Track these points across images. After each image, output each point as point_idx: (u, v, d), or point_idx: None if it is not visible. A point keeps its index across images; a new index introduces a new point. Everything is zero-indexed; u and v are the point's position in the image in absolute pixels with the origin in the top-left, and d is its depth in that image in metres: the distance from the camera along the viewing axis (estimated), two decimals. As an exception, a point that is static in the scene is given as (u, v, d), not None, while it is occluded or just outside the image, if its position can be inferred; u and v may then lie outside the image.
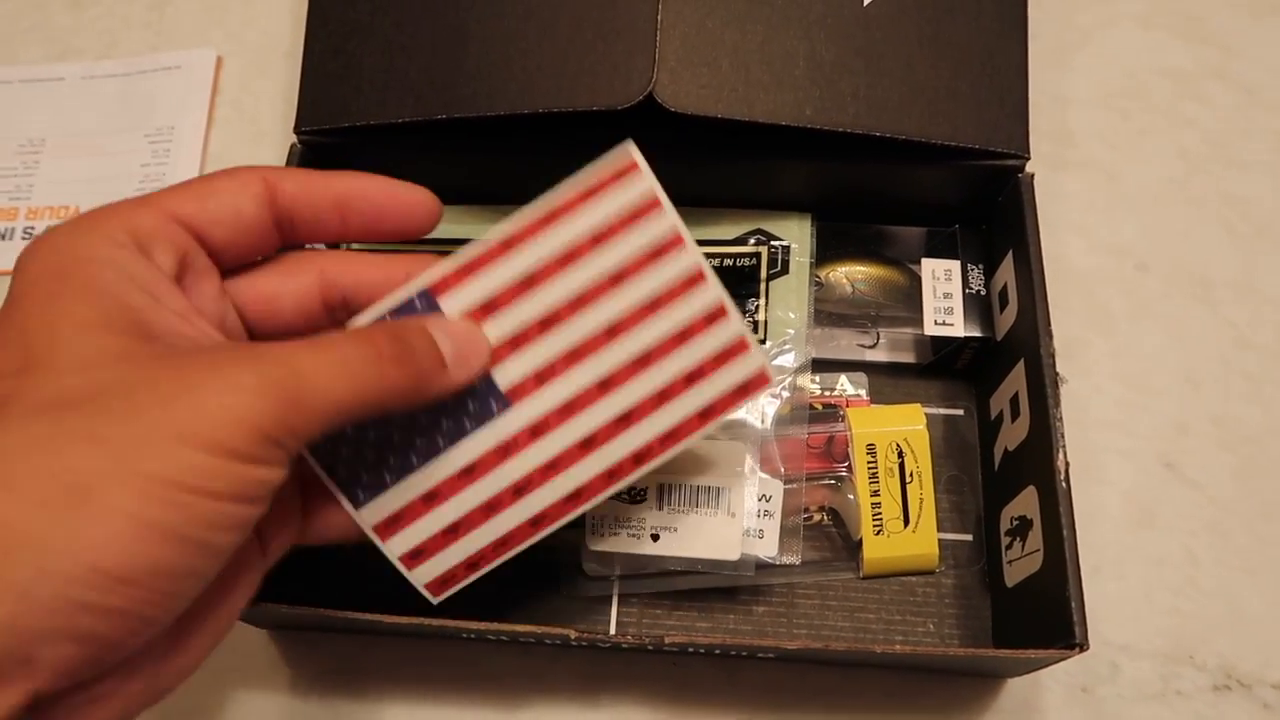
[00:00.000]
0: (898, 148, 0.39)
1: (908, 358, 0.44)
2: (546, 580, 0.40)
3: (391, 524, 0.30)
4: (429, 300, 0.29)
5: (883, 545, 0.39)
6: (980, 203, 0.42)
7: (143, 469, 0.22)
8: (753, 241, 0.43)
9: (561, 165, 0.36)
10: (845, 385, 0.42)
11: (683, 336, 0.30)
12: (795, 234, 0.43)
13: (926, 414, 0.41)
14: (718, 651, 0.37)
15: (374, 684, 0.39)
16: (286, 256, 0.30)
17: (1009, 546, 0.38)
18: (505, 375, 0.30)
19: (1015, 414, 0.39)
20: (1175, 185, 0.49)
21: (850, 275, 0.43)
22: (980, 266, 0.43)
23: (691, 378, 0.31)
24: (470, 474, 0.30)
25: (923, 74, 0.39)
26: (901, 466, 0.40)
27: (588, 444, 0.30)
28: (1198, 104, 0.51)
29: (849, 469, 0.40)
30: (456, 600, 0.32)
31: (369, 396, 0.26)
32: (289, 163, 0.41)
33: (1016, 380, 0.39)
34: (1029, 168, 0.40)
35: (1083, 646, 0.32)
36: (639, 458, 0.31)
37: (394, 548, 0.31)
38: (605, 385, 0.30)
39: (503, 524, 0.31)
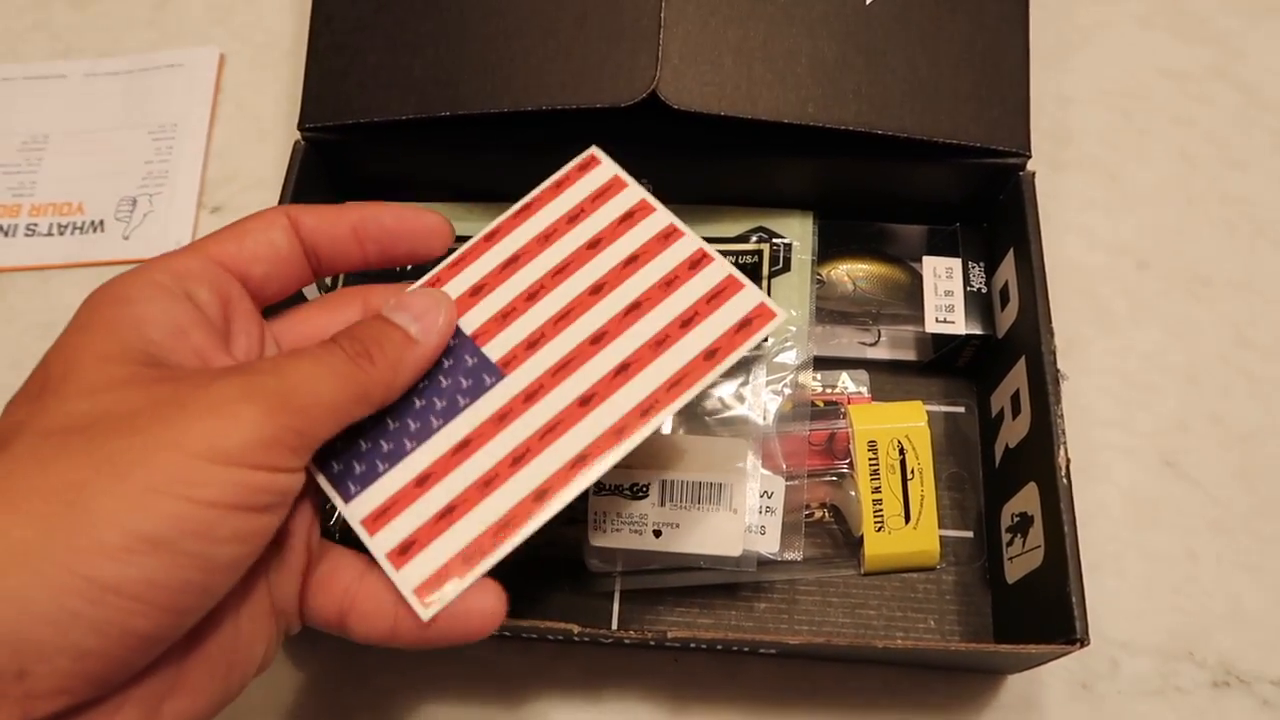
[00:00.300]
0: (899, 146, 0.39)
1: (909, 355, 0.44)
2: (549, 576, 0.40)
3: (381, 515, 0.28)
4: None
5: (884, 542, 0.39)
6: (981, 201, 0.42)
7: (139, 480, 0.22)
8: (754, 239, 0.43)
9: (565, 162, 0.37)
10: (847, 382, 0.43)
11: (668, 283, 0.30)
12: (797, 231, 0.43)
13: (928, 411, 0.41)
14: (719, 647, 0.37)
15: (377, 680, 0.40)
16: (331, 295, 0.32)
17: (1010, 543, 0.38)
18: (496, 348, 0.30)
19: (1016, 411, 0.39)
20: (1176, 184, 0.49)
21: (852, 273, 0.43)
22: (981, 264, 0.43)
23: (687, 321, 0.30)
24: (464, 448, 0.29)
25: (924, 72, 0.39)
26: (903, 463, 0.40)
27: (587, 401, 0.29)
28: (1198, 103, 0.51)
29: (850, 466, 0.40)
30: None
31: (356, 388, 0.26)
32: (293, 159, 0.41)
33: (1017, 377, 0.39)
34: (1030, 166, 0.40)
35: (1083, 642, 0.32)
36: (646, 410, 0.29)
37: (381, 543, 0.28)
38: (597, 339, 0.30)
39: (501, 501, 0.28)
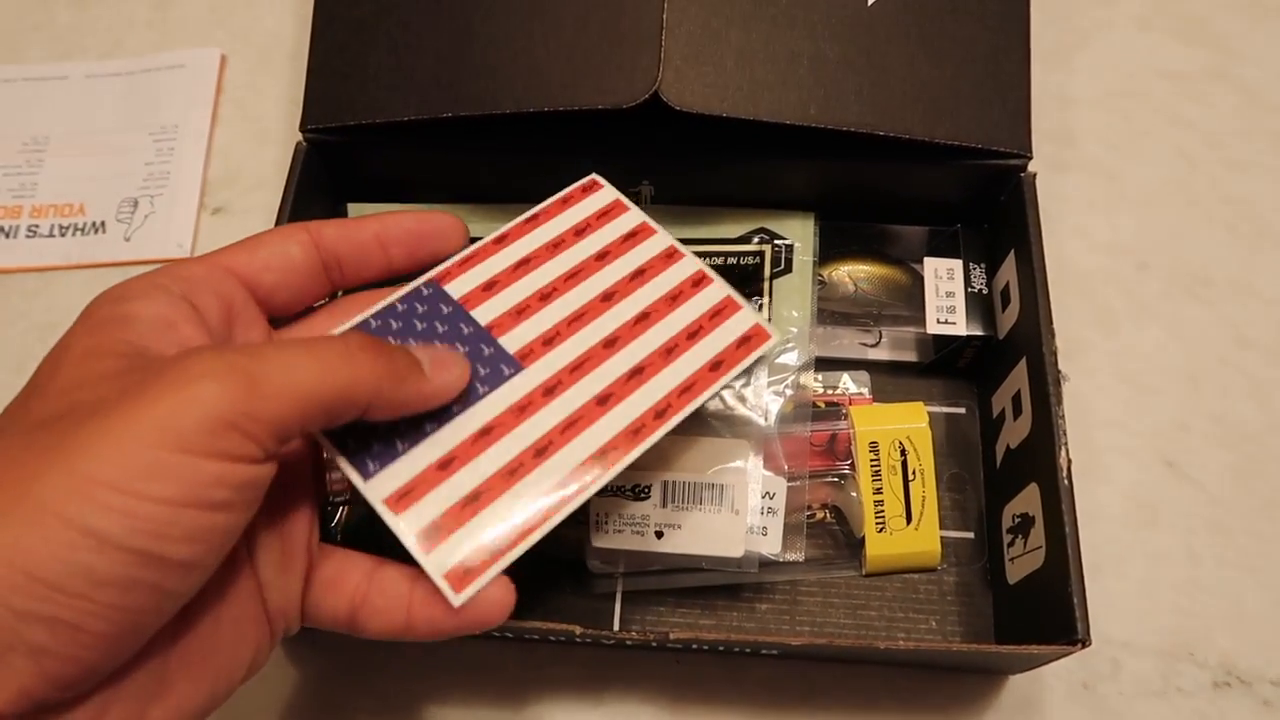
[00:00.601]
0: (901, 147, 0.39)
1: (910, 356, 0.44)
2: (550, 577, 0.40)
3: (404, 496, 0.28)
4: (435, 288, 0.32)
5: (885, 543, 0.39)
6: (982, 202, 0.43)
7: (87, 471, 0.21)
8: (756, 240, 0.43)
9: (567, 163, 0.37)
10: (848, 383, 0.43)
11: (674, 298, 0.33)
12: (798, 233, 0.43)
13: (929, 412, 0.41)
14: (721, 648, 0.37)
15: (378, 680, 0.40)
16: (338, 301, 0.32)
17: (1011, 544, 0.39)
18: (513, 340, 0.31)
19: (1017, 412, 0.39)
20: (1176, 185, 0.49)
21: (853, 274, 0.43)
22: (982, 265, 0.43)
23: (693, 333, 0.32)
24: (487, 435, 0.29)
25: (926, 74, 0.39)
26: (904, 464, 0.40)
27: (604, 400, 0.30)
28: (1198, 105, 0.51)
29: (852, 467, 0.40)
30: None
31: (340, 385, 0.24)
32: (294, 161, 0.41)
33: (1019, 379, 0.39)
34: (1031, 167, 0.40)
35: (1084, 643, 0.32)
36: (660, 413, 0.30)
37: (407, 525, 0.28)
38: (610, 343, 0.31)
39: (526, 492, 0.29)
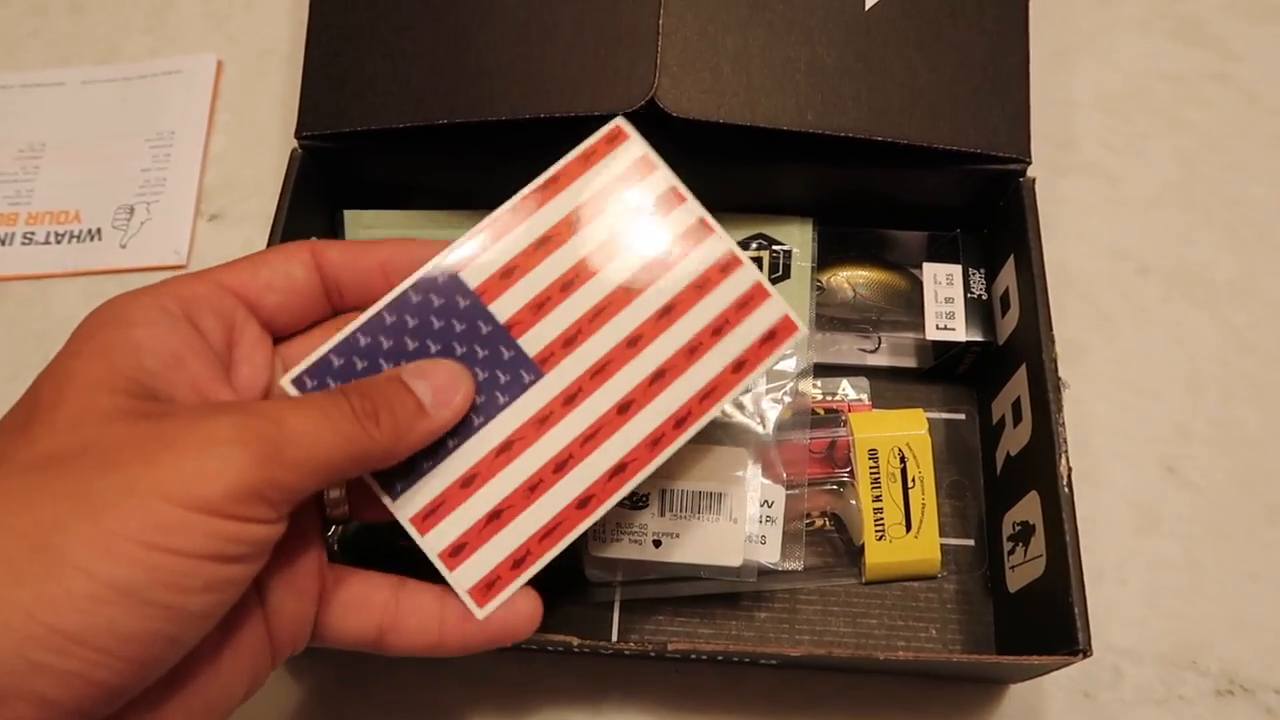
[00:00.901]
0: (899, 152, 0.39)
1: (909, 362, 0.44)
2: (549, 586, 0.40)
3: (430, 514, 0.29)
4: (451, 273, 0.30)
5: (885, 550, 0.39)
6: (982, 207, 0.42)
7: (111, 526, 0.21)
8: (754, 246, 0.43)
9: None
10: (847, 390, 0.42)
11: (700, 287, 0.30)
12: (796, 238, 0.43)
13: (928, 419, 0.41)
14: (720, 658, 0.37)
15: (377, 692, 0.39)
16: (337, 319, 0.31)
17: (1011, 552, 0.38)
18: (533, 342, 0.30)
19: (1017, 419, 0.39)
20: (1176, 189, 0.49)
21: (852, 280, 0.43)
22: (982, 271, 0.43)
23: (718, 329, 0.30)
24: (508, 450, 0.29)
25: (924, 78, 0.39)
26: (903, 471, 0.40)
27: (625, 408, 0.30)
28: (1198, 107, 0.51)
29: (851, 474, 0.40)
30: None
31: (355, 450, 0.25)
32: (290, 167, 0.41)
33: (1018, 385, 0.39)
34: (1030, 171, 0.40)
35: (1086, 653, 0.32)
36: (680, 421, 0.30)
37: (433, 543, 0.29)
38: (634, 342, 0.30)
39: (547, 507, 0.29)
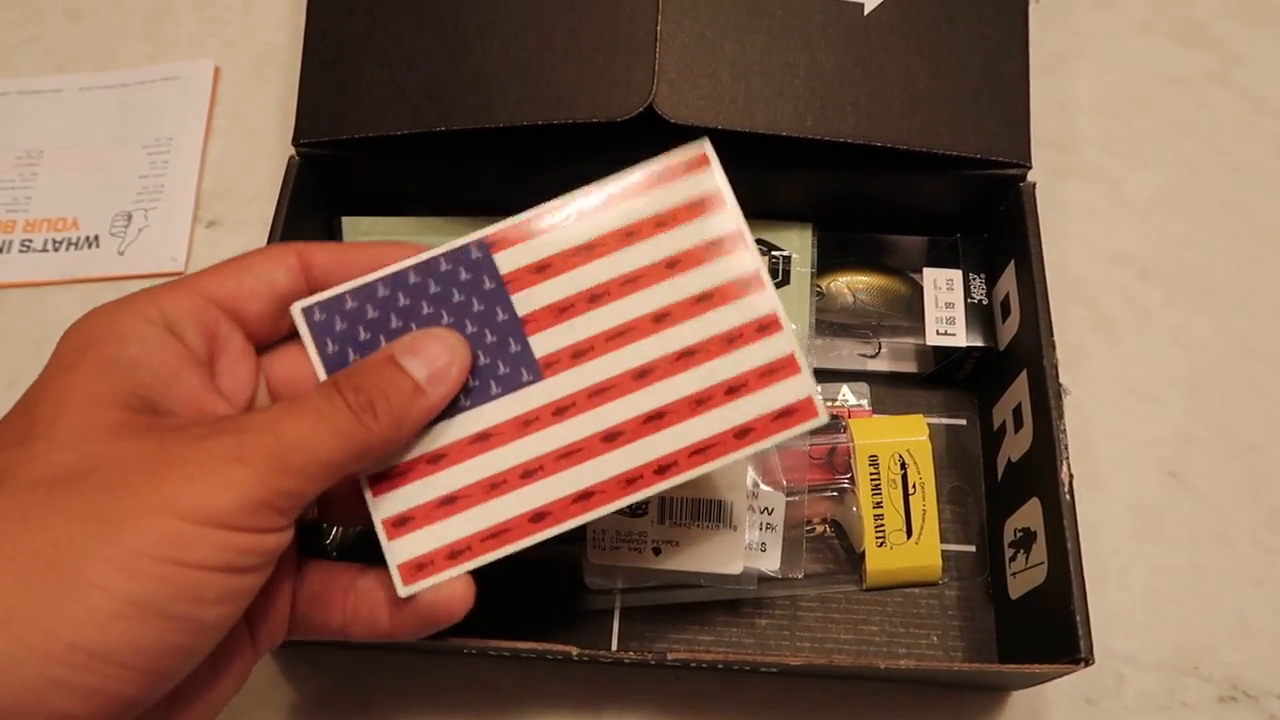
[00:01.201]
0: (899, 157, 0.39)
1: (910, 368, 0.44)
2: (548, 594, 0.40)
3: (388, 480, 0.28)
4: (486, 253, 0.30)
5: (886, 557, 0.39)
6: (982, 212, 0.42)
7: (126, 543, 0.22)
8: (753, 252, 0.42)
9: (561, 176, 0.36)
10: (847, 395, 0.42)
11: (731, 340, 0.29)
12: (796, 244, 0.43)
13: (929, 424, 0.40)
14: (720, 667, 0.37)
15: (375, 700, 0.39)
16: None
17: (1013, 558, 0.38)
18: (543, 344, 0.29)
19: (1018, 425, 0.39)
20: (1177, 192, 0.49)
21: (851, 285, 0.43)
22: (982, 276, 0.43)
23: (733, 389, 0.29)
24: (484, 441, 0.29)
25: (923, 83, 0.39)
26: (904, 477, 0.40)
27: (611, 438, 0.29)
28: (1199, 110, 0.51)
29: (851, 480, 0.40)
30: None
31: (356, 446, 0.25)
32: (287, 174, 0.41)
33: (1019, 391, 0.39)
34: (1030, 175, 0.40)
35: (1088, 661, 0.32)
36: (663, 469, 0.29)
37: (382, 507, 0.28)
38: (642, 375, 0.29)
39: (501, 510, 0.29)
